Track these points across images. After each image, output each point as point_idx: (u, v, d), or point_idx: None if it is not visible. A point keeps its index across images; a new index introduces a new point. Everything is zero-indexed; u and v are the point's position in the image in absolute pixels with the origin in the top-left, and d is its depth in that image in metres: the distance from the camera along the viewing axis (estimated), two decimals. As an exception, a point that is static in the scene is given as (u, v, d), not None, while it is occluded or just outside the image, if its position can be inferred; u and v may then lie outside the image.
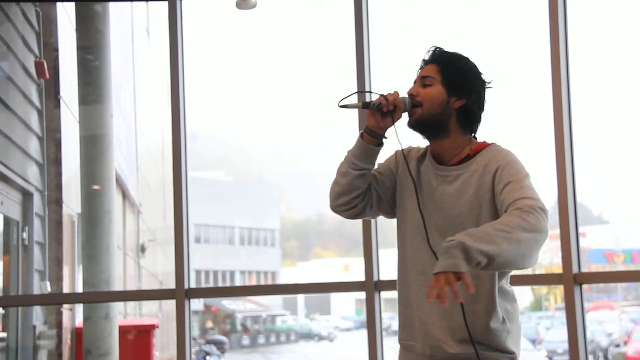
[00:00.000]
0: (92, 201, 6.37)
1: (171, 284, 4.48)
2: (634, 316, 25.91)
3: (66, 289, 7.04)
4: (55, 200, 6.98)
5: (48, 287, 6.73)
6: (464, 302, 2.38)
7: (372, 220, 4.33)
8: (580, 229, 4.21)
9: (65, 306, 7.02)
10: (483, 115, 2.65)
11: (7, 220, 6.26)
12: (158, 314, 15.25)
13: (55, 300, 6.48)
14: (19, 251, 6.40)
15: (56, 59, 7.05)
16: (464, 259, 2.23)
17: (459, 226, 2.46)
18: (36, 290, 6.58)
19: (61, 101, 7.09)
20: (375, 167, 2.64)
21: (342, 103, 2.52)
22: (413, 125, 2.57)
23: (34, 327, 6.60)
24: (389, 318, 31.37)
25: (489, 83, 2.64)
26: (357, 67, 4.44)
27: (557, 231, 4.16)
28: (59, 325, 6.86)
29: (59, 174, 7.00)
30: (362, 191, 2.57)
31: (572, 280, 4.08)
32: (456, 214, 2.51)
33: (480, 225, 2.39)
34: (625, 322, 24.81)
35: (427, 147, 2.65)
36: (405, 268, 2.59)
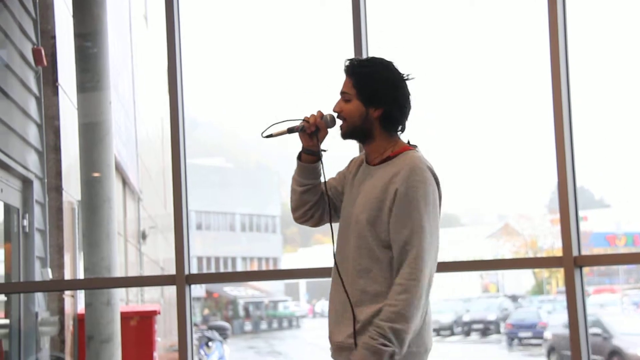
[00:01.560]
0: (92, 188, 6.37)
1: (172, 271, 4.48)
2: (635, 299, 25.96)
3: (67, 276, 7.06)
4: (55, 187, 6.98)
5: (49, 274, 6.74)
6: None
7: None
8: (582, 213, 4.21)
9: (67, 293, 7.03)
10: (410, 112, 2.80)
11: (7, 208, 6.27)
12: (160, 301, 15.29)
13: (57, 287, 6.50)
14: (19, 238, 6.41)
15: (54, 46, 7.04)
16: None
17: (363, 221, 2.68)
18: (38, 277, 6.59)
19: (59, 88, 7.08)
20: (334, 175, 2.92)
21: (266, 133, 2.78)
22: (343, 137, 2.79)
23: (36, 313, 6.62)
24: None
25: (407, 76, 2.76)
26: (355, 52, 4.43)
27: (558, 215, 4.15)
28: (61, 311, 6.88)
29: (58, 162, 7.00)
30: (313, 203, 2.84)
31: (572, 262, 4.08)
32: (361, 210, 2.71)
33: (370, 224, 2.66)
34: (627, 305, 24.88)
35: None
36: (335, 268, 2.79)
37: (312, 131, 2.76)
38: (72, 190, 7.26)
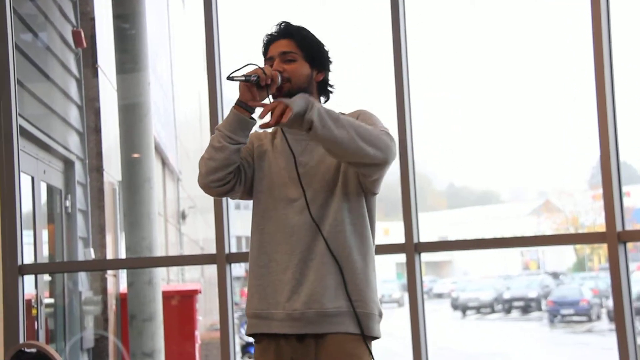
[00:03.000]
0: (132, 169, 6.43)
1: (212, 250, 4.50)
2: (680, 275, 25.63)
3: (110, 256, 7.14)
4: (96, 168, 7.05)
5: (92, 254, 6.82)
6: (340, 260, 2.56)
7: (412, 183, 4.30)
8: (625, 189, 4.15)
9: (110, 272, 7.11)
10: (334, 85, 2.75)
11: (50, 189, 6.34)
12: (200, 280, 15.41)
13: (100, 266, 6.57)
14: (62, 219, 6.49)
15: (93, 27, 7.08)
16: (304, 108, 2.40)
17: (328, 183, 2.59)
18: (80, 257, 6.67)
19: (99, 70, 7.13)
20: None
21: (231, 75, 2.55)
22: (282, 98, 2.55)
23: (80, 293, 6.71)
24: (430, 281, 31.43)
25: (330, 55, 2.72)
26: (394, 40, 4.39)
27: (600, 190, 4.10)
28: (103, 291, 6.97)
29: (99, 142, 7.06)
30: (236, 166, 2.61)
31: (616, 238, 4.02)
32: (324, 171, 2.61)
33: (338, 183, 2.58)
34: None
35: (275, 128, 2.73)
36: (268, 236, 2.64)
37: (266, 83, 2.53)
38: (112, 170, 7.33)
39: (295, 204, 2.62)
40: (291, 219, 2.61)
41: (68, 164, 6.64)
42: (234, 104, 2.58)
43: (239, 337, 13.64)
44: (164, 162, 11.89)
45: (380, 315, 2.63)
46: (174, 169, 13.14)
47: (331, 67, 2.74)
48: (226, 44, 4.78)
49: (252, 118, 2.58)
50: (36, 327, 5.54)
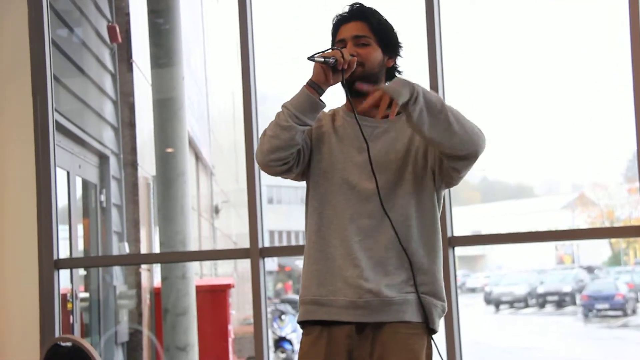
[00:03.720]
0: (166, 163, 6.46)
1: (245, 245, 4.51)
2: None
3: (144, 250, 7.18)
4: (130, 163, 7.10)
5: (126, 248, 6.87)
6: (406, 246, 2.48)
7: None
8: (661, 182, 4.09)
9: (144, 266, 7.16)
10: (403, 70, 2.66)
11: (85, 184, 6.40)
12: (233, 275, 15.48)
13: (134, 260, 6.62)
14: (97, 214, 6.54)
15: (128, 23, 7.13)
16: (409, 98, 2.32)
17: (398, 169, 2.52)
18: (115, 252, 6.72)
19: (133, 65, 7.18)
20: None
21: (313, 56, 2.46)
22: (352, 82, 2.52)
23: (115, 287, 6.76)
24: (463, 275, 31.29)
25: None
26: (428, 28, 4.37)
27: (637, 184, 4.05)
28: (138, 285, 7.02)
29: (133, 137, 7.11)
30: (298, 148, 2.52)
31: (653, 233, 3.98)
32: (393, 159, 2.53)
33: (407, 174, 2.50)
34: None
35: (336, 108, 2.66)
36: (327, 221, 2.55)
37: (342, 67, 2.45)
38: (147, 165, 7.37)
39: (360, 191, 2.53)
40: (354, 206, 2.53)
41: (103, 159, 6.69)
42: (305, 83, 2.49)
43: (272, 331, 13.69)
44: (198, 157, 11.94)
45: (444, 310, 2.56)
46: (207, 163, 13.20)
47: (401, 52, 2.64)
48: (260, 38, 4.79)
49: (322, 100, 2.49)
50: (71, 321, 5.60)
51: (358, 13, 2.56)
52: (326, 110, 2.63)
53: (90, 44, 6.51)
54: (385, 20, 2.59)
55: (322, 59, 2.44)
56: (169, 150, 6.49)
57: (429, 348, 2.53)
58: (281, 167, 2.51)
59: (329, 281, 2.52)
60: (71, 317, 5.61)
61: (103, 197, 6.60)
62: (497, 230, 4.29)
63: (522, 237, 4.55)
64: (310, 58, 2.45)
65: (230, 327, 7.42)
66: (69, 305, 5.59)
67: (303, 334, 2.58)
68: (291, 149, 2.48)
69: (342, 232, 2.52)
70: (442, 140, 2.40)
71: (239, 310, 13.19)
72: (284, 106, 2.50)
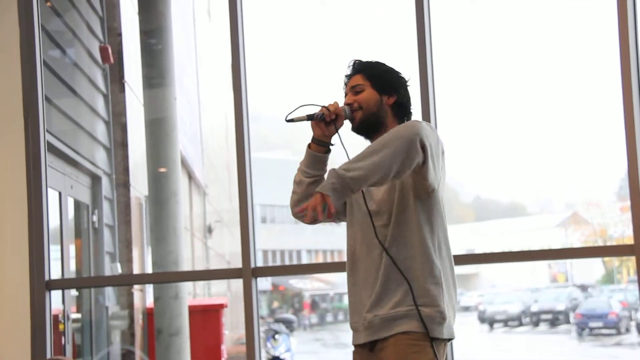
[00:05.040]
0: (159, 183, 6.45)
1: (238, 264, 4.50)
2: None
3: (136, 270, 7.16)
4: (123, 183, 7.09)
5: (119, 269, 6.85)
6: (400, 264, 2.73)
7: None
8: (653, 200, 4.10)
9: (136, 287, 7.14)
10: (412, 107, 2.95)
11: (77, 204, 6.38)
12: (227, 294, 15.43)
13: (126, 281, 6.59)
14: (89, 234, 6.52)
15: (120, 43, 7.14)
16: (333, 183, 2.56)
17: (386, 212, 2.77)
18: (107, 272, 6.70)
19: (126, 85, 7.18)
20: None
21: (289, 117, 2.80)
22: (357, 127, 2.86)
23: (107, 307, 6.73)
24: (457, 294, 31.24)
25: (409, 81, 2.94)
26: (419, 51, 4.39)
27: (628, 203, 4.06)
28: (130, 305, 6.99)
29: (125, 157, 7.10)
30: None
31: (645, 251, 3.98)
32: (381, 198, 2.79)
33: (407, 213, 2.74)
34: (701, 294, 24.28)
35: None
36: (354, 256, 2.85)
37: (331, 119, 2.79)
38: (139, 185, 7.36)
39: (367, 225, 2.80)
40: (366, 239, 2.81)
41: (95, 179, 6.68)
42: (309, 142, 2.85)
43: (266, 351, 13.64)
44: (191, 177, 11.94)
45: (443, 317, 2.74)
46: (200, 183, 13.19)
47: (409, 90, 2.92)
48: (252, 58, 4.80)
49: (328, 151, 2.86)
50: (63, 342, 5.57)
51: (354, 68, 2.92)
52: None
53: (82, 64, 6.52)
54: (381, 66, 2.91)
55: (306, 117, 2.79)
56: (162, 170, 6.48)
57: (433, 355, 2.72)
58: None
59: (355, 310, 2.84)
60: (63, 338, 5.58)
61: (95, 218, 6.59)
62: (490, 249, 4.29)
63: (516, 255, 4.55)
64: (288, 120, 2.79)
65: (223, 347, 7.39)
66: (61, 327, 5.57)
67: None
68: (308, 199, 2.79)
69: (363, 264, 2.82)
70: (380, 177, 2.59)
71: (233, 329, 13.14)
72: (299, 163, 2.90)
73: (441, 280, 2.78)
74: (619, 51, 4.10)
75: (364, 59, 2.95)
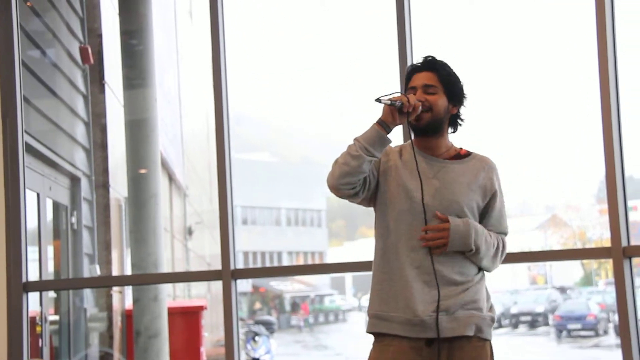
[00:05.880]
0: (139, 185, 6.43)
1: (219, 266, 4.50)
2: (687, 290, 25.43)
3: (115, 272, 7.13)
4: (102, 184, 7.06)
5: (98, 271, 6.82)
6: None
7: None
8: (632, 203, 4.15)
9: (115, 289, 7.11)
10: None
11: (56, 205, 6.35)
12: (207, 296, 15.39)
13: (105, 283, 6.57)
14: (68, 235, 6.49)
15: (100, 44, 7.11)
16: (467, 242, 2.83)
17: (455, 210, 2.88)
18: (86, 274, 6.67)
19: (106, 86, 7.15)
20: None
21: (379, 98, 2.81)
22: (422, 127, 2.91)
23: (85, 309, 6.70)
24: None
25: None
26: (400, 53, 4.40)
27: (606, 205, 4.09)
28: (109, 307, 6.96)
29: (105, 159, 7.07)
30: (365, 176, 2.86)
31: (621, 253, 4.01)
32: (456, 199, 2.89)
33: (471, 212, 2.91)
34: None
35: (403, 144, 3.02)
36: (394, 246, 2.89)
37: (408, 110, 2.81)
38: (119, 187, 7.33)
39: (417, 222, 2.87)
40: (413, 235, 2.86)
41: (74, 180, 6.65)
42: (376, 121, 2.85)
43: (246, 352, 13.61)
44: (171, 178, 11.91)
45: (493, 320, 2.90)
46: (180, 184, 13.15)
47: (465, 102, 2.99)
48: (233, 59, 4.80)
49: (388, 137, 2.85)
50: (40, 344, 5.53)
51: (429, 64, 2.93)
52: (393, 145, 2.96)
53: (62, 65, 6.49)
54: (454, 72, 2.95)
55: (389, 102, 2.80)
56: (142, 171, 6.46)
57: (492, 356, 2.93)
58: (349, 191, 2.87)
59: (392, 299, 2.91)
60: (40, 340, 5.55)
61: (74, 219, 6.56)
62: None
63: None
64: (378, 100, 2.81)
65: (203, 349, 7.37)
66: (38, 329, 5.53)
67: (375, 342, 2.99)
68: (359, 175, 2.83)
69: (403, 257, 2.88)
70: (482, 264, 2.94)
71: (213, 331, 13.11)
72: (355, 139, 2.85)
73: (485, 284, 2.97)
74: (597, 56, 4.13)
75: (438, 58, 2.97)
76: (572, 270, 32.81)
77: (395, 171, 2.93)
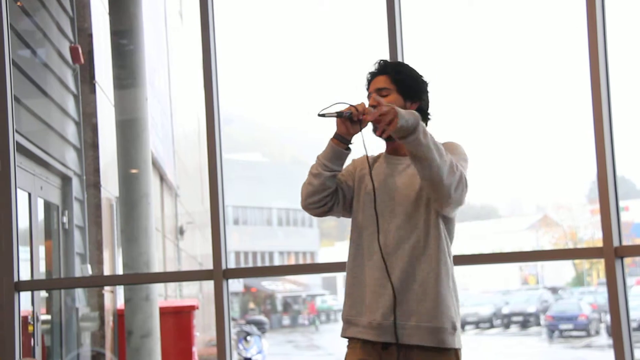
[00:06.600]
0: (130, 185, 6.42)
1: (210, 266, 4.49)
2: (678, 290, 25.57)
3: (107, 272, 7.12)
4: (93, 184, 7.04)
5: (89, 270, 6.81)
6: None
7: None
8: (624, 203, 4.15)
9: (107, 288, 7.09)
10: (431, 111, 3.04)
11: (47, 205, 6.33)
12: (199, 296, 15.38)
13: (97, 282, 6.56)
14: (59, 235, 6.48)
15: (90, 43, 7.09)
16: (410, 127, 2.67)
17: (411, 205, 2.87)
18: (78, 273, 6.65)
19: (96, 86, 7.14)
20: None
21: (322, 112, 2.84)
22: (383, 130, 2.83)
23: (77, 309, 6.69)
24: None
25: (429, 85, 3.02)
26: (390, 50, 4.40)
27: (598, 205, 4.10)
28: (100, 307, 6.94)
29: (96, 158, 7.06)
30: (331, 191, 2.93)
31: (613, 253, 4.01)
32: (407, 194, 2.89)
33: (421, 207, 2.86)
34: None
35: (380, 153, 3.05)
36: (360, 253, 2.94)
37: (358, 118, 2.83)
38: (110, 186, 7.32)
39: (375, 228, 2.90)
40: (375, 240, 2.89)
41: (65, 180, 6.63)
42: (332, 137, 2.89)
43: (237, 352, 13.61)
44: (162, 178, 11.89)
45: (454, 327, 2.86)
46: (172, 184, 13.14)
47: (429, 96, 3.00)
48: (223, 59, 4.79)
49: (348, 149, 2.89)
50: (32, 344, 5.52)
51: (380, 68, 2.98)
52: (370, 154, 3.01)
53: (52, 64, 6.47)
54: (407, 70, 2.98)
55: (335, 114, 2.83)
56: (133, 171, 6.45)
57: None
58: (320, 209, 2.97)
59: (358, 303, 2.95)
60: (32, 340, 5.53)
61: (65, 219, 6.54)
62: (461, 251, 4.31)
63: (487, 258, 4.58)
64: (321, 115, 2.84)
65: (195, 349, 7.36)
66: (30, 328, 5.52)
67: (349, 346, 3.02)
68: (324, 191, 2.92)
69: (368, 261, 2.91)
70: (430, 174, 2.74)
71: (205, 331, 13.10)
72: (317, 157, 2.93)
73: (450, 292, 2.92)
74: (588, 56, 4.14)
75: (390, 60, 3.01)
76: (563, 270, 32.90)
77: (366, 179, 2.97)
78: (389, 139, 2.96)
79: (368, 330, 2.87)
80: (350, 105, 2.84)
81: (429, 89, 3.01)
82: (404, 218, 2.87)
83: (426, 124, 2.98)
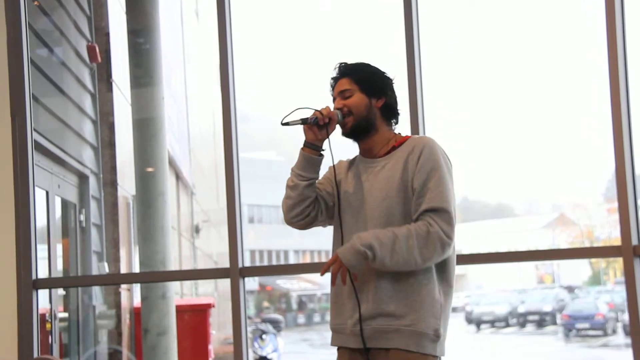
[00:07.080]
0: (146, 183, 6.44)
1: (226, 264, 4.50)
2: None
3: (123, 270, 7.14)
4: (110, 182, 7.07)
5: (106, 268, 6.83)
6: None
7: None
8: (640, 202, 4.12)
9: (123, 286, 7.12)
10: (400, 107, 3.00)
11: (64, 203, 6.36)
12: (214, 294, 15.40)
13: (113, 280, 6.58)
14: (77, 233, 6.50)
15: (107, 42, 7.12)
16: (361, 263, 2.72)
17: (388, 208, 2.82)
18: (95, 271, 6.68)
19: (113, 84, 7.16)
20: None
21: (285, 121, 2.86)
22: (349, 132, 2.91)
23: (94, 307, 6.72)
24: (465, 296, 31.21)
25: (394, 80, 2.98)
26: (407, 53, 4.39)
27: (616, 204, 4.07)
28: (117, 305, 6.97)
29: (113, 157, 7.09)
30: (312, 200, 2.92)
31: (632, 252, 3.99)
32: (384, 197, 2.83)
33: (404, 200, 2.81)
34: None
35: (355, 156, 3.02)
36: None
37: (324, 122, 2.84)
38: (126, 185, 7.34)
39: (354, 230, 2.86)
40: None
41: (82, 178, 6.66)
42: (302, 146, 2.90)
43: (253, 351, 13.62)
44: (178, 176, 11.91)
45: (437, 335, 2.79)
46: (187, 183, 13.16)
47: (395, 90, 2.96)
48: (240, 58, 4.80)
49: (321, 154, 2.90)
50: (50, 341, 5.55)
51: (341, 71, 2.96)
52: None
53: (69, 63, 6.50)
54: (367, 68, 2.95)
55: (300, 121, 2.84)
56: (149, 169, 6.47)
57: None
58: (304, 221, 2.95)
59: (339, 312, 2.92)
60: (50, 337, 5.56)
61: (82, 217, 6.57)
62: (477, 250, 4.30)
63: (503, 256, 4.56)
64: (285, 124, 2.86)
65: (211, 347, 7.37)
66: (48, 326, 5.55)
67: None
68: (304, 203, 2.91)
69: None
70: (405, 268, 2.75)
71: (220, 329, 13.12)
72: (291, 169, 2.94)
73: (434, 297, 2.90)
74: (606, 54, 4.11)
75: (350, 62, 2.97)
76: (580, 269, 32.74)
77: (342, 184, 2.96)
78: (352, 137, 2.94)
79: (350, 338, 2.85)
80: (315, 110, 2.84)
81: (394, 84, 2.98)
82: (382, 220, 2.82)
83: (396, 120, 2.97)
